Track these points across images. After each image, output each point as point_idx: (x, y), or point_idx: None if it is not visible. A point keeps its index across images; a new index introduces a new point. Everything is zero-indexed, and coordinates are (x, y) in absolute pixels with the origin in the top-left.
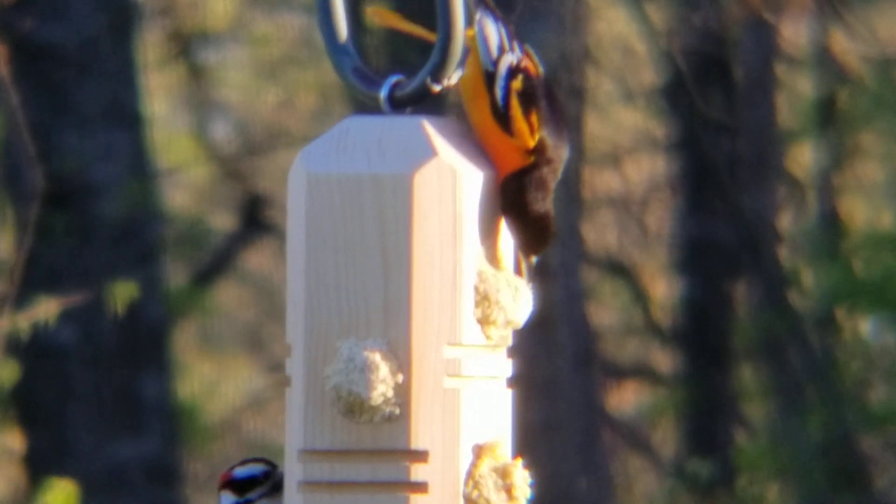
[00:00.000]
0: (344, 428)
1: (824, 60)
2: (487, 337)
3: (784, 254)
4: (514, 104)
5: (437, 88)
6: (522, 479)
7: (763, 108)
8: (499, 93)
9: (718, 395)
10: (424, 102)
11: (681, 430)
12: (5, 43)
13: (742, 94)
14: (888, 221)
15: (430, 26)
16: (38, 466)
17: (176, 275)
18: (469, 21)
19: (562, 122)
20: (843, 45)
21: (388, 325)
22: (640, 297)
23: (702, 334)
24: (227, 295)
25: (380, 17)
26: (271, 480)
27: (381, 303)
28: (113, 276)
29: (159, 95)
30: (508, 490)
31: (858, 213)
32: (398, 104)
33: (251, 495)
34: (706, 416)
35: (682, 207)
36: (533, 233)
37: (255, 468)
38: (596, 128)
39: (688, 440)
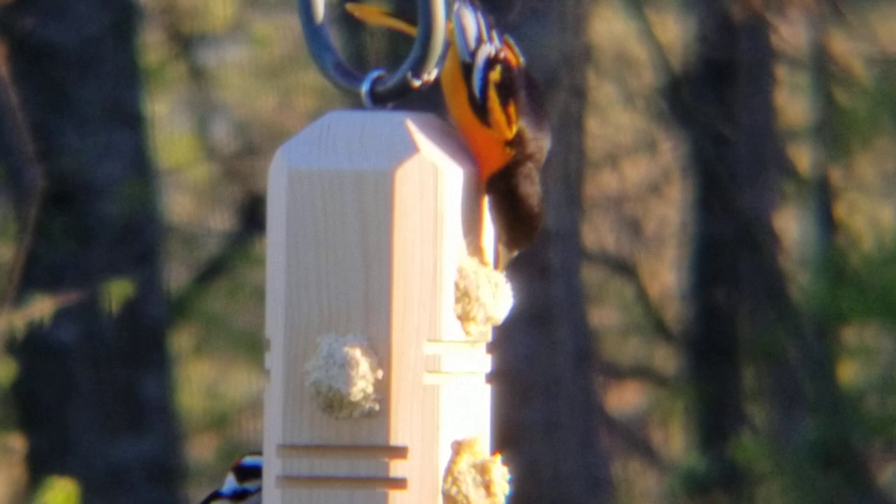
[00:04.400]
0: (323, 423)
1: (824, 61)
2: (467, 333)
3: (783, 254)
4: (492, 95)
5: (417, 83)
6: (501, 476)
7: (762, 108)
8: (476, 84)
9: (719, 395)
10: (406, 97)
11: (681, 431)
12: (5, 42)
13: (741, 95)
14: (887, 222)
15: (412, 20)
16: (39, 466)
17: (176, 274)
18: (450, 14)
19: (542, 112)
20: (843, 45)
21: (368, 320)
22: (640, 297)
23: (702, 334)
24: (227, 295)
25: (359, 11)
26: None
27: (361, 299)
28: (113, 276)
29: (159, 96)
30: (487, 486)
31: (857, 213)
32: (380, 99)
33: (249, 486)
34: (706, 416)
35: (682, 207)
36: (522, 228)
37: (261, 460)
38: (596, 128)
39: (688, 440)
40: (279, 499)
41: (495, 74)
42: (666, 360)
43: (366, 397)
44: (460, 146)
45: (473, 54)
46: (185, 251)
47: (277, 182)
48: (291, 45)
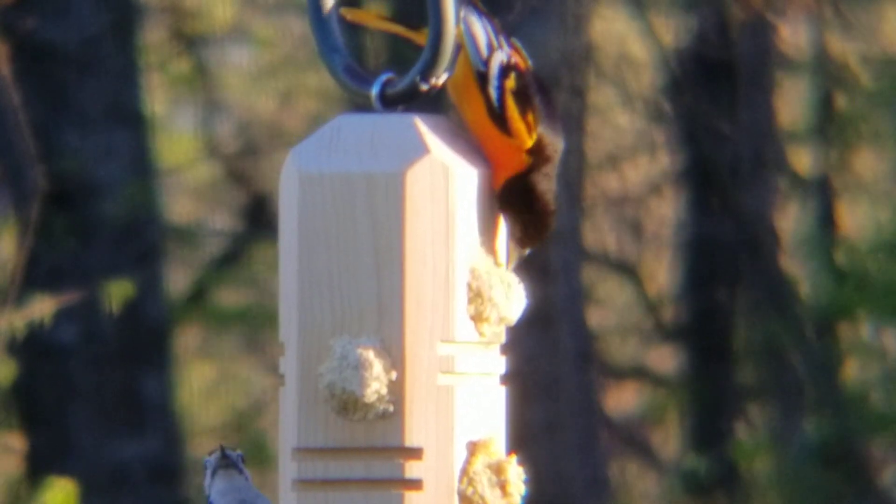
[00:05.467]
0: (338, 426)
1: (824, 61)
2: (480, 334)
3: (783, 254)
4: (510, 104)
5: (424, 87)
6: (517, 476)
7: (762, 108)
8: (493, 93)
9: (719, 395)
10: (416, 100)
11: (681, 431)
12: (6, 42)
13: (741, 95)
14: (886, 221)
15: (410, 24)
16: (39, 465)
17: (177, 275)
18: (458, 18)
19: (554, 113)
20: (843, 45)
21: (381, 322)
22: (640, 297)
23: (702, 335)
24: (229, 295)
25: (352, 15)
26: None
27: (374, 300)
28: (113, 276)
29: (160, 95)
30: (503, 486)
31: (857, 213)
32: (389, 102)
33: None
34: (706, 416)
35: (683, 207)
36: (536, 226)
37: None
38: (596, 128)
39: (688, 441)
40: (295, 502)
41: (511, 82)
42: (665, 360)
43: (380, 399)
44: (471, 147)
45: (487, 62)
46: (185, 251)
47: (289, 185)
48: (293, 45)
